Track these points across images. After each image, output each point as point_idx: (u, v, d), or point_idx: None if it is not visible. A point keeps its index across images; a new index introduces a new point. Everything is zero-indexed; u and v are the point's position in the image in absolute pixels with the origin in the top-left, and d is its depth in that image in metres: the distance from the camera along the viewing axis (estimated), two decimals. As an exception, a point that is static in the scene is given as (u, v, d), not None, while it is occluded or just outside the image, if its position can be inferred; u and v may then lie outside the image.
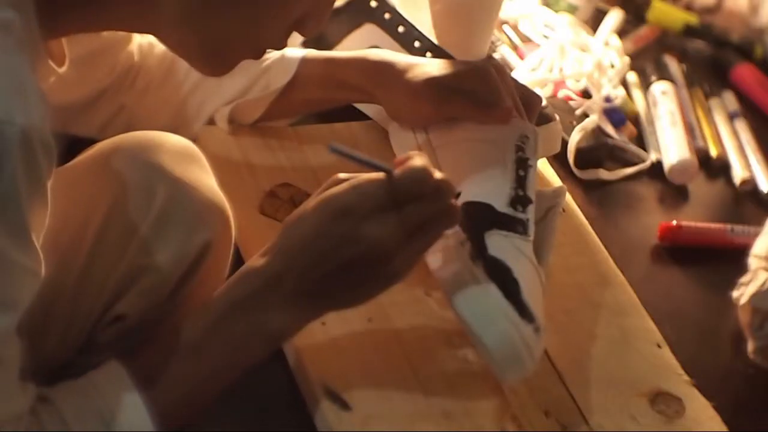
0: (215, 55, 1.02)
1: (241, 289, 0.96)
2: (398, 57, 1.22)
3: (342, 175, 0.97)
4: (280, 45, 1.04)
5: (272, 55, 1.23)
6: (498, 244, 1.05)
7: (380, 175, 0.95)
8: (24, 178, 0.85)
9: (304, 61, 1.24)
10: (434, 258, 1.05)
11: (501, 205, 1.09)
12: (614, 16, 1.70)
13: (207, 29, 0.98)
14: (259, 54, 1.04)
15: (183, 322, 0.96)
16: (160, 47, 1.25)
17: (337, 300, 0.97)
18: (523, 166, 1.13)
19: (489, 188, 1.10)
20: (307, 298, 0.95)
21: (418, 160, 0.96)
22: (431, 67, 1.20)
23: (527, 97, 1.22)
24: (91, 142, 1.11)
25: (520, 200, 1.10)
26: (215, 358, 0.95)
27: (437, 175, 0.96)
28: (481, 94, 1.18)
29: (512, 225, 1.07)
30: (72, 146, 1.10)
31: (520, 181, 1.12)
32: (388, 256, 0.94)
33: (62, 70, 1.04)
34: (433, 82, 1.19)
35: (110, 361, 0.94)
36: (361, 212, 0.93)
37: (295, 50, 1.25)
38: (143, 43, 1.25)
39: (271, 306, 0.95)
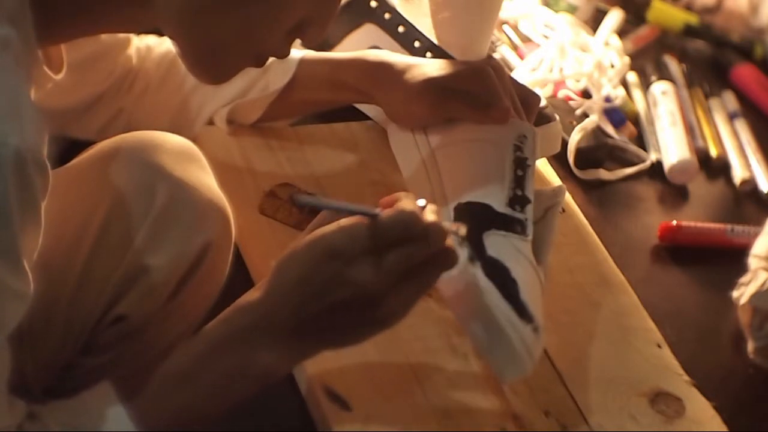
0: (211, 61, 1.01)
1: (233, 323, 0.94)
2: (396, 58, 1.22)
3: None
4: (282, 52, 1.03)
5: (270, 56, 1.23)
6: (496, 244, 1.05)
7: (364, 218, 0.92)
8: (17, 200, 0.85)
9: (303, 62, 1.24)
10: None
11: (499, 205, 1.08)
12: (614, 16, 1.70)
13: (202, 35, 0.98)
14: (260, 61, 1.03)
15: (177, 350, 0.95)
16: (158, 50, 1.25)
17: (328, 341, 0.95)
18: (521, 165, 1.13)
19: (487, 188, 1.10)
20: (297, 337, 0.93)
21: (407, 203, 0.93)
22: (429, 67, 1.20)
23: (526, 97, 1.22)
24: (90, 143, 1.11)
25: (518, 200, 1.10)
26: (203, 389, 0.93)
27: (428, 217, 0.93)
28: (478, 94, 1.17)
29: (511, 225, 1.07)
30: (71, 149, 1.10)
31: (519, 181, 1.11)
32: (375, 301, 0.92)
33: (59, 76, 1.03)
34: (430, 83, 1.18)
35: (101, 382, 0.94)
36: (348, 255, 0.91)
37: (294, 51, 1.24)
38: (141, 46, 1.24)
39: (260, 343, 0.93)
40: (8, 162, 0.83)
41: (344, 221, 0.93)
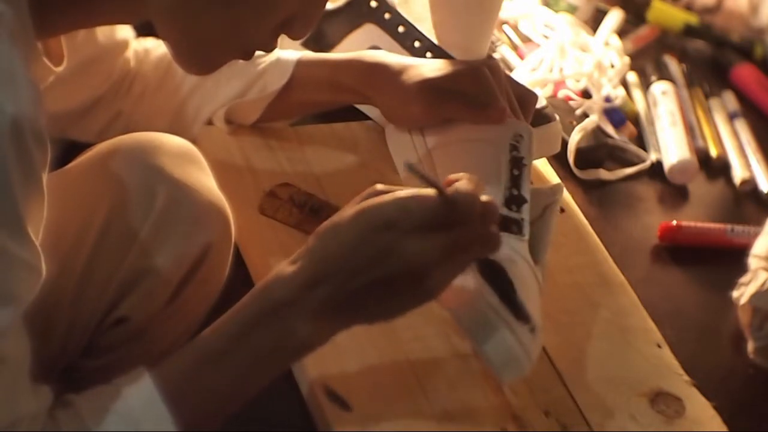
0: (199, 52, 1.01)
1: (268, 299, 0.92)
2: (393, 58, 1.22)
3: (380, 187, 0.94)
4: (269, 47, 1.03)
5: (268, 57, 1.23)
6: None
7: (425, 191, 0.92)
8: (16, 168, 0.83)
9: (300, 64, 1.24)
10: None
11: (495, 204, 1.09)
12: (614, 16, 1.70)
13: (191, 25, 0.98)
14: (247, 55, 1.03)
15: (207, 330, 0.93)
16: (155, 52, 1.25)
17: (367, 314, 0.94)
18: (517, 165, 1.13)
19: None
20: (337, 310, 0.92)
21: (467, 183, 0.93)
22: (425, 68, 1.20)
23: (522, 96, 1.22)
24: (89, 145, 1.11)
25: (514, 200, 1.10)
26: (239, 368, 0.92)
27: (483, 198, 0.93)
28: (475, 94, 1.17)
29: (507, 225, 1.07)
30: (70, 151, 1.10)
31: (515, 181, 1.11)
32: (425, 274, 0.91)
33: (60, 69, 1.03)
34: (426, 84, 1.18)
35: (137, 369, 0.92)
36: (405, 227, 0.90)
37: (291, 52, 1.25)
38: (139, 49, 1.25)
39: (300, 316, 0.91)
40: (5, 130, 0.82)
41: (400, 193, 0.92)
